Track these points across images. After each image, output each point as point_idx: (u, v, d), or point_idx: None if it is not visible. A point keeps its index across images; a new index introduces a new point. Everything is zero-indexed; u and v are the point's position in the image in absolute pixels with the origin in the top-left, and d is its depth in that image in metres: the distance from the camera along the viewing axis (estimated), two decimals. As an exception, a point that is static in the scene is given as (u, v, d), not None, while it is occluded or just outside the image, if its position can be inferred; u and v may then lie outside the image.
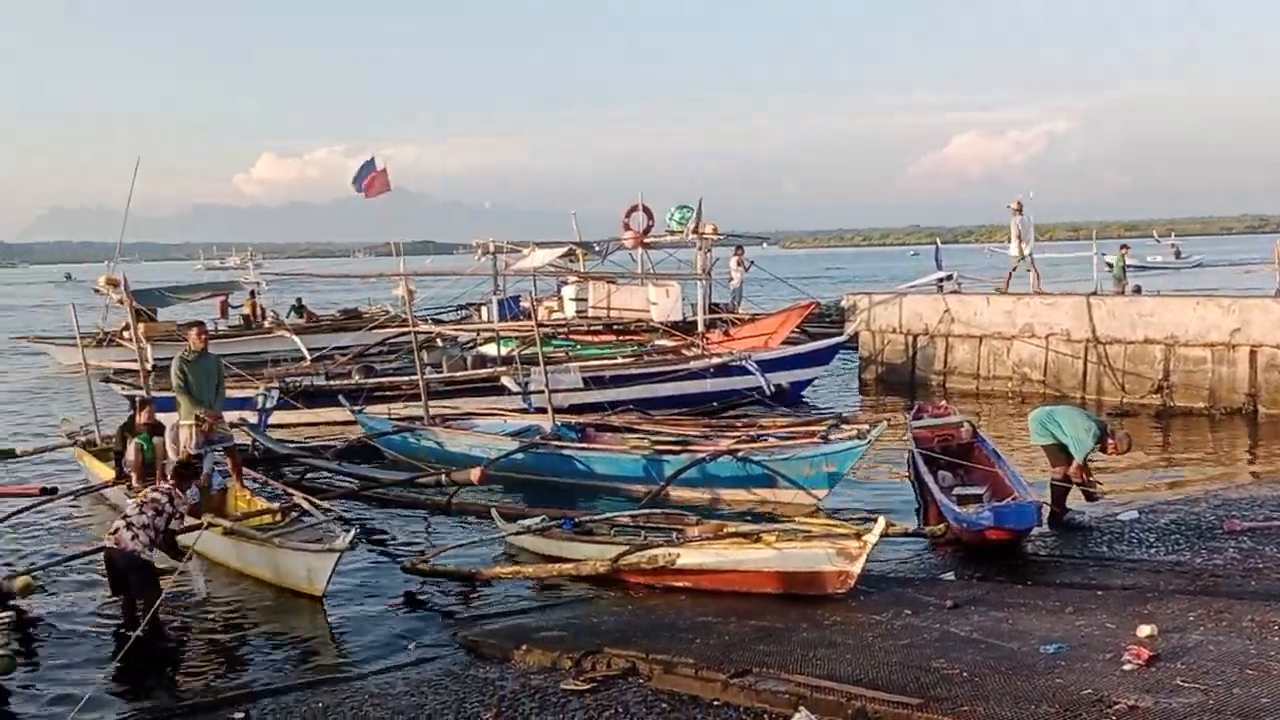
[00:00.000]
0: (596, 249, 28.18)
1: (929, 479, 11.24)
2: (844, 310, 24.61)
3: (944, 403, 15.02)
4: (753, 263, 28.83)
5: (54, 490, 12.28)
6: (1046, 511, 10.67)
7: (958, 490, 11.10)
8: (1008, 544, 9.83)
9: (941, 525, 9.98)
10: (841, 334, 22.47)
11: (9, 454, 15.01)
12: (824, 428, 13.36)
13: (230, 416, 12.83)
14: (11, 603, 9.06)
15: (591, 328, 24.64)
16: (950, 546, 10.26)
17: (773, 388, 18.67)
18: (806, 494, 12.38)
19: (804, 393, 20.82)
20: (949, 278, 25.17)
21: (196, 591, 9.50)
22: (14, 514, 11.93)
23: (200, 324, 12.65)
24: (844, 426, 13.28)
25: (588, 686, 6.94)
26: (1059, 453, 10.89)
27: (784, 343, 21.87)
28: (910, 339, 21.73)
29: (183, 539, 9.45)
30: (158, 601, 8.41)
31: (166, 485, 9.05)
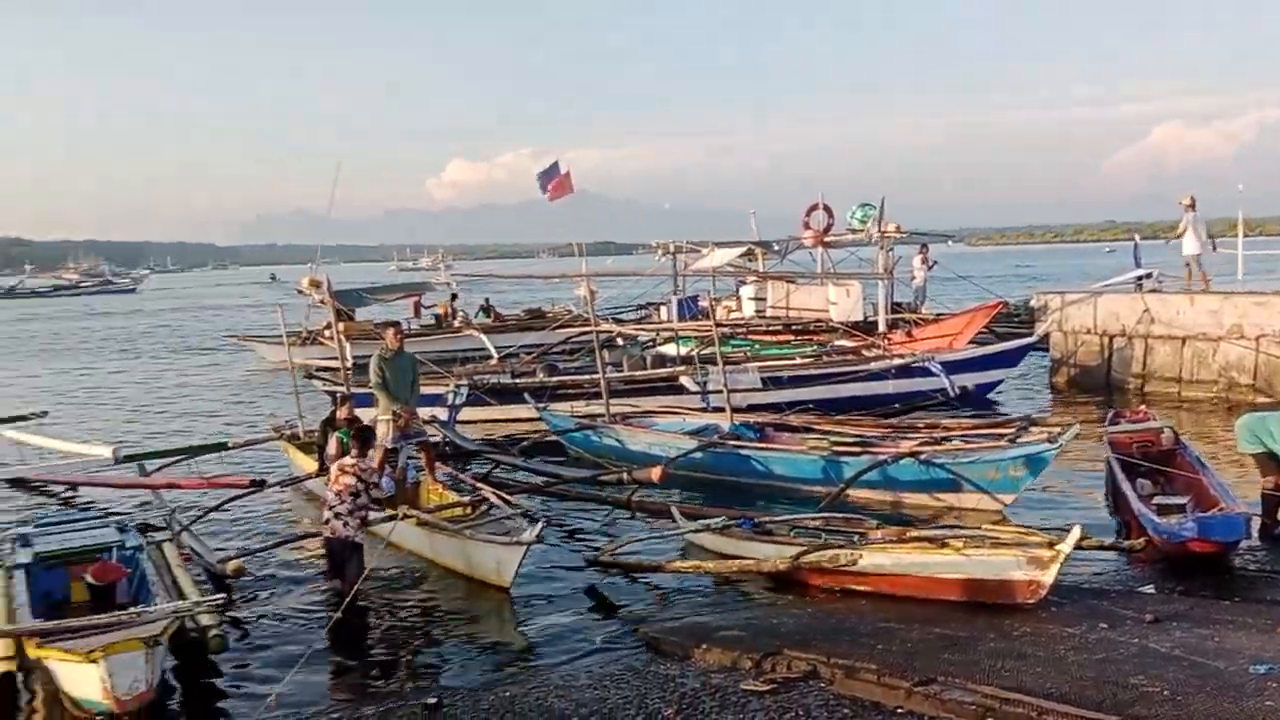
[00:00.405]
0: (776, 248, 28.04)
1: (1127, 487, 10.74)
2: (1034, 310, 23.71)
3: (1143, 407, 14.32)
4: (936, 261, 28.14)
5: (262, 482, 13.02)
6: (1257, 524, 10.06)
7: (1158, 499, 10.58)
8: (1213, 557, 9.30)
9: (1141, 539, 9.50)
10: (1031, 335, 21.67)
11: (221, 446, 15.98)
12: (1012, 430, 12.93)
13: (422, 413, 13.33)
14: (225, 584, 9.74)
15: (770, 327, 24.52)
16: (1150, 558, 9.77)
17: (957, 390, 18.18)
18: (992, 499, 12.01)
19: (990, 395, 20.19)
20: (1148, 275, 23.92)
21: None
22: (226, 502, 12.75)
23: (397, 324, 13.23)
24: (1033, 430, 12.82)
25: (768, 688, 6.94)
26: (1269, 461, 10.23)
27: (970, 343, 21.26)
28: (1106, 340, 20.75)
29: (379, 528, 9.95)
30: (358, 583, 8.91)
31: (350, 464, 9.42)
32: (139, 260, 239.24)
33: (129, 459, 14.99)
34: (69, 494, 14.70)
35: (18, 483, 14.90)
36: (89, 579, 8.81)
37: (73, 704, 7.11)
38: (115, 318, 67.08)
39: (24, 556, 9.41)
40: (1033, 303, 24.34)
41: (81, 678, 6.90)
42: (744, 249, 27.52)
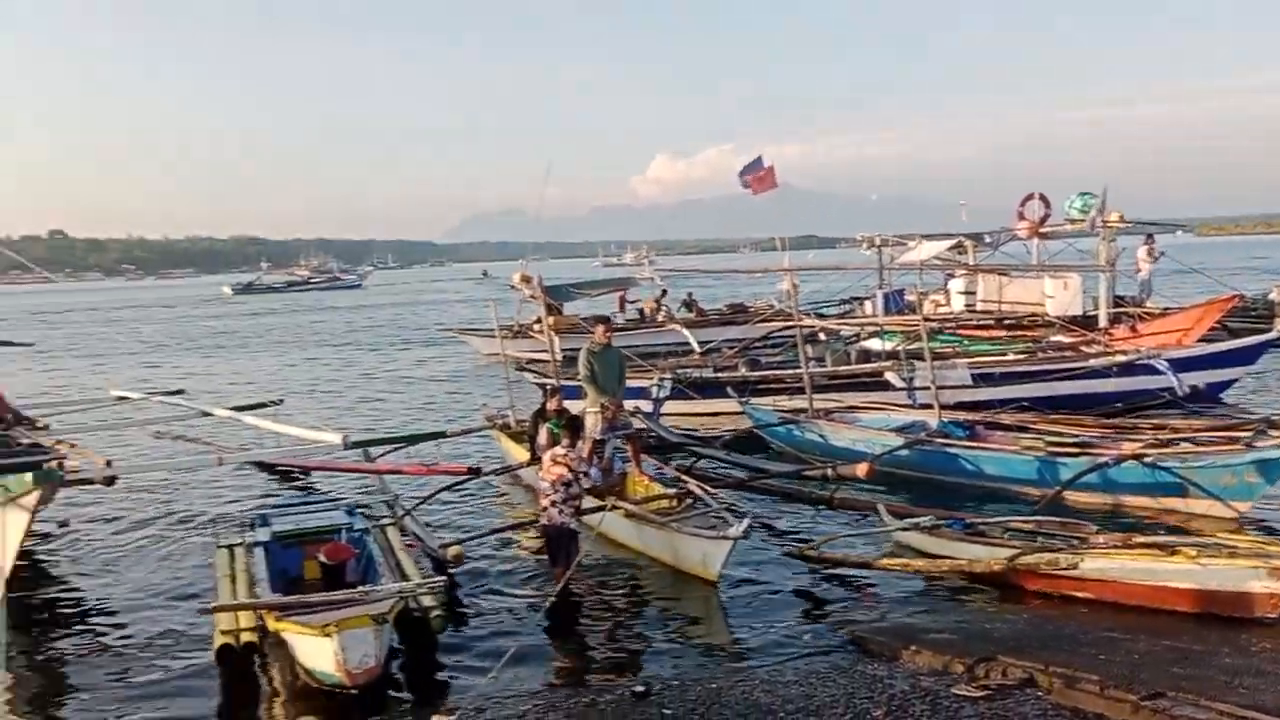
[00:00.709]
0: (987, 240, 27.12)
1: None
2: (1273, 304, 22.09)
3: (1402, 410, 13.11)
4: (1163, 252, 26.59)
5: (478, 470, 13.54)
6: None
7: None
8: None
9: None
10: (1271, 330, 20.18)
11: (440, 435, 16.63)
12: (1248, 433, 12.08)
13: (627, 405, 13.56)
14: (445, 568, 10.17)
15: (981, 322, 23.73)
16: None
17: (1186, 389, 17.10)
18: (1225, 506, 11.27)
19: (1224, 395, 18.91)
20: None
21: None
22: (445, 489, 13.35)
23: (607, 319, 13.50)
24: (1273, 432, 11.93)
25: (982, 694, 6.74)
26: None
27: (1201, 339, 19.98)
28: (1358, 336, 19.11)
29: (589, 518, 10.19)
30: (571, 569, 9.17)
31: (561, 454, 9.75)
32: (364, 258, 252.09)
33: (356, 445, 15.79)
34: (301, 477, 15.72)
35: (258, 465, 16.01)
36: (322, 558, 9.37)
37: (307, 674, 7.58)
38: (341, 312, 70.99)
39: (263, 535, 10.13)
40: (1272, 296, 22.67)
41: (316, 650, 7.37)
42: (953, 241, 26.75)
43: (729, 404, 18.14)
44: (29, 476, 8.55)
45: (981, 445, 13.61)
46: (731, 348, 23.86)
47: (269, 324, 61.31)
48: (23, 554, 9.05)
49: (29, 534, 9.61)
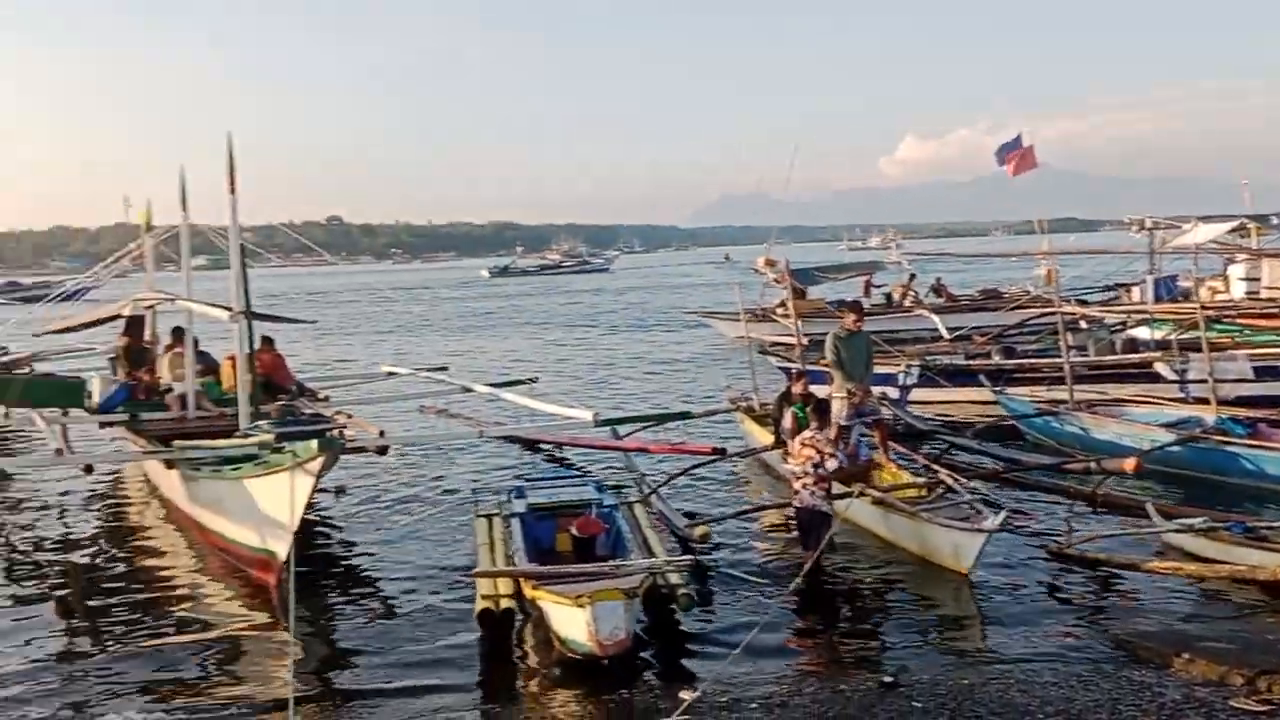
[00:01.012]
0: (1274, 222, 24.97)
1: None
2: None
3: None
4: None
5: (723, 451, 13.66)
6: None
7: None
8: None
9: None
10: None
11: (686, 415, 16.91)
12: None
13: (874, 391, 13.31)
14: (690, 547, 10.32)
15: (1265, 310, 21.86)
16: None
17: None
18: None
19: None
20: None
21: None
22: (691, 468, 13.54)
23: (859, 306, 13.24)
24: None
25: (1264, 709, 6.28)
26: None
27: None
28: None
29: (837, 503, 10.09)
30: (818, 552, 9.12)
31: (809, 437, 9.77)
32: (611, 242, 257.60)
33: (605, 423, 16.24)
34: (553, 451, 16.32)
35: (513, 439, 16.75)
36: (574, 531, 9.70)
37: (561, 643, 7.87)
38: (590, 295, 72.94)
39: (519, 507, 10.57)
40: None
41: (569, 620, 7.66)
42: (1235, 223, 24.77)
43: (980, 393, 17.55)
44: (314, 443, 9.19)
45: (1264, 444, 12.62)
46: (983, 334, 23.03)
47: (523, 305, 63.68)
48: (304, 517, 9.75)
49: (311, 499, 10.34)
